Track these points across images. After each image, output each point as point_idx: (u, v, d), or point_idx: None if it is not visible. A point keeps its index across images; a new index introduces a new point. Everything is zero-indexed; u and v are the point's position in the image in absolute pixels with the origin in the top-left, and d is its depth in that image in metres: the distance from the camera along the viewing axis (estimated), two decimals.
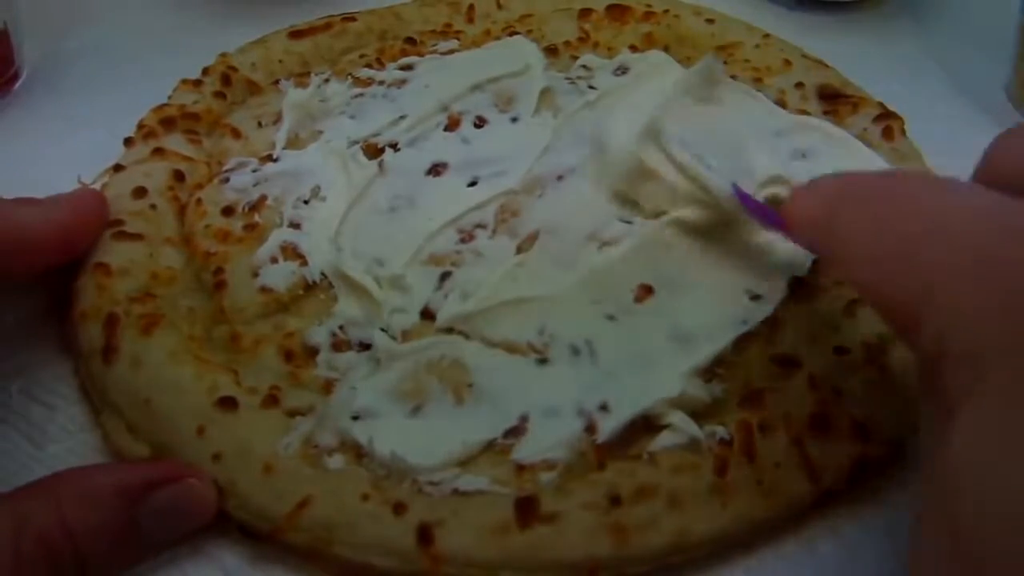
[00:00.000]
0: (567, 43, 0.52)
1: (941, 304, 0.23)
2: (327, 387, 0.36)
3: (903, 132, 0.46)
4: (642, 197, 0.41)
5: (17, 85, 0.52)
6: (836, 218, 0.28)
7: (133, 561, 0.32)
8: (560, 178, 0.43)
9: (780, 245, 0.39)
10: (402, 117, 0.46)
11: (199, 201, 0.42)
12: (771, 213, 0.34)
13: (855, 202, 0.28)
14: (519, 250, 0.40)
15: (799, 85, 0.49)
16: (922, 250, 0.24)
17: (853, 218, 0.28)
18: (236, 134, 0.46)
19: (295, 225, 0.41)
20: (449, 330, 0.37)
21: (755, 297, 0.38)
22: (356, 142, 0.45)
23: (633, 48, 0.51)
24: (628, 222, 0.40)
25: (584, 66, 0.50)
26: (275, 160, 0.44)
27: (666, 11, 0.54)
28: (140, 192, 0.42)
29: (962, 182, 0.28)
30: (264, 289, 0.39)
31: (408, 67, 0.50)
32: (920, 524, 0.23)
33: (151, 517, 0.31)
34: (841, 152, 0.44)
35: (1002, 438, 0.21)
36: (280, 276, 0.39)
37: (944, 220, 0.25)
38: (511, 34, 0.52)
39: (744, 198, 0.37)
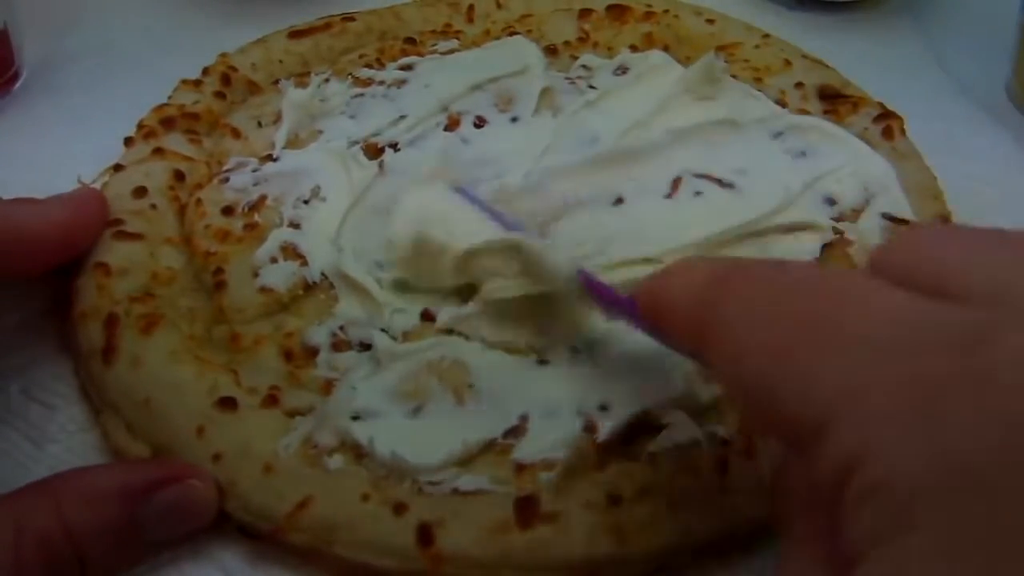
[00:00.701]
0: (567, 43, 0.52)
1: (857, 425, 0.20)
2: (327, 387, 0.36)
3: (903, 132, 0.46)
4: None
5: (17, 85, 0.52)
6: (716, 306, 0.24)
7: (133, 562, 0.32)
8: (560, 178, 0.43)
9: (776, 242, 0.39)
10: (402, 117, 0.46)
11: (199, 201, 0.42)
12: (621, 298, 0.31)
13: (742, 287, 0.24)
14: None
15: (799, 85, 0.49)
16: (834, 356, 0.21)
17: (740, 307, 0.23)
18: (236, 134, 0.46)
19: (295, 225, 0.41)
20: (449, 331, 0.37)
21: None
22: (356, 142, 0.45)
23: (633, 48, 0.51)
24: None
25: (584, 66, 0.50)
26: (275, 160, 0.44)
27: (666, 11, 0.54)
28: (140, 192, 0.42)
29: (861, 274, 0.24)
30: (264, 289, 0.39)
31: (408, 67, 0.50)
32: None
33: (153, 518, 0.31)
34: (841, 151, 0.44)
35: None
36: (280, 276, 0.39)
37: (859, 319, 0.21)
38: (511, 34, 0.52)
39: (589, 282, 0.33)
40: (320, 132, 0.46)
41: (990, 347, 0.19)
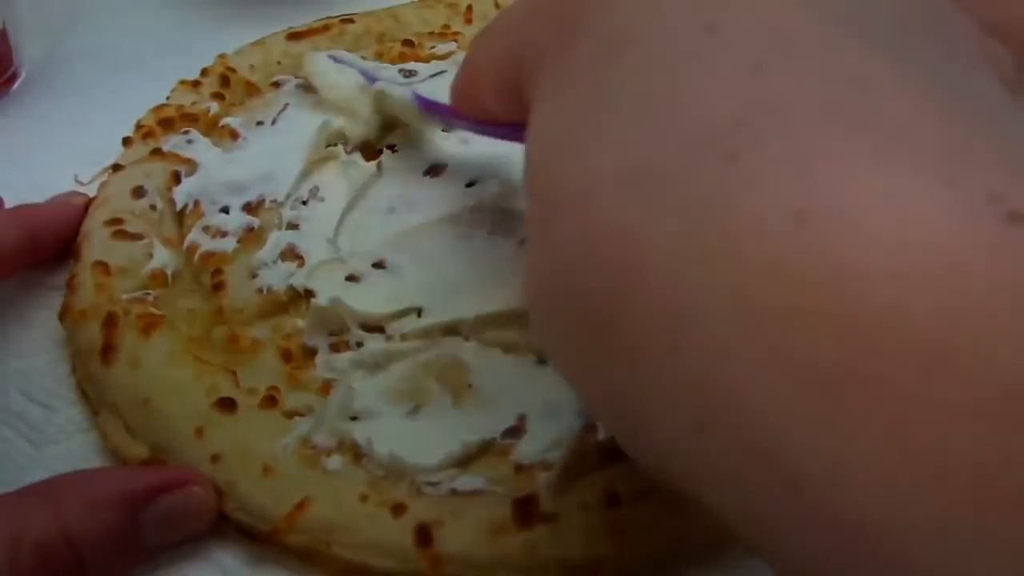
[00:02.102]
0: None
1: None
2: (326, 388, 0.36)
3: None
4: None
5: (16, 85, 0.52)
6: (471, 79, 0.31)
7: (132, 564, 0.32)
8: None
9: None
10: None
11: (197, 202, 0.42)
12: (449, 107, 0.35)
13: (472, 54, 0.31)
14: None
15: None
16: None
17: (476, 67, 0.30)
18: (234, 135, 0.46)
19: (293, 226, 0.41)
20: (448, 330, 0.37)
21: None
22: (354, 143, 0.45)
23: None
24: None
25: None
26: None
27: None
28: (139, 192, 0.42)
29: None
30: (263, 290, 0.39)
31: (408, 72, 0.50)
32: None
33: (152, 524, 0.31)
34: None
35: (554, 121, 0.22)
36: (279, 277, 0.39)
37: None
38: None
39: (422, 102, 0.41)
40: None
41: None
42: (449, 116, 0.38)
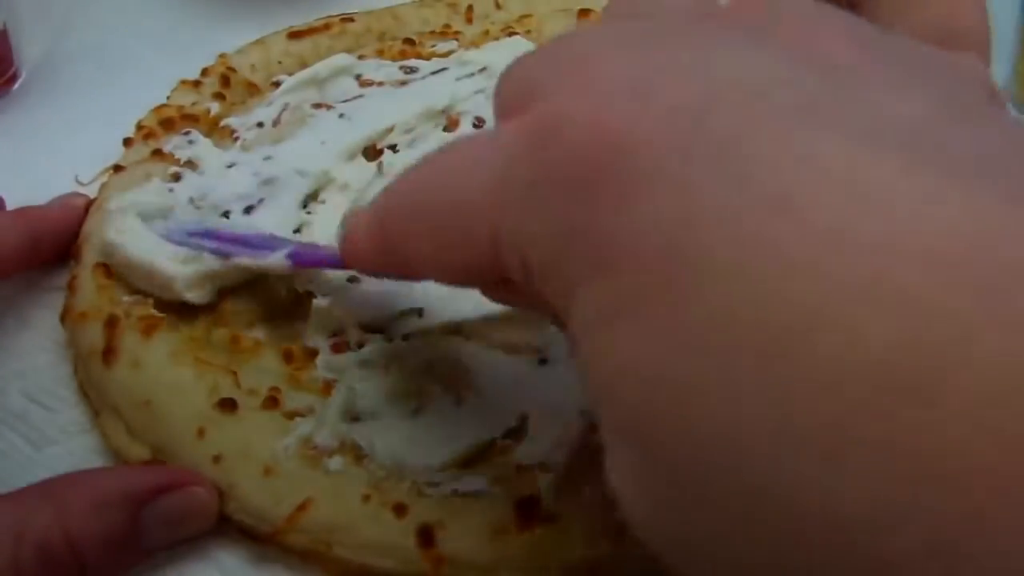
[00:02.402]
0: None
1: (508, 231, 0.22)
2: (327, 389, 0.36)
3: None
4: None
5: (16, 85, 0.52)
6: (391, 239, 0.26)
7: (132, 564, 0.32)
8: None
9: None
10: (402, 119, 0.46)
11: (197, 206, 0.42)
12: (334, 259, 0.32)
13: (397, 211, 0.26)
14: None
15: None
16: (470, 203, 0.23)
17: (404, 232, 0.26)
18: (235, 136, 0.46)
19: (295, 229, 0.41)
20: (449, 331, 0.37)
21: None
22: (355, 144, 0.45)
23: None
24: None
25: None
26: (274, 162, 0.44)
27: None
28: None
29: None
30: (264, 290, 0.39)
31: (410, 69, 0.50)
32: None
33: (153, 524, 0.31)
34: None
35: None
36: (279, 277, 0.39)
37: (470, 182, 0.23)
38: (510, 35, 0.52)
39: (299, 259, 0.35)
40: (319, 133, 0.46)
41: None
42: (336, 267, 0.35)
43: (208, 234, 0.38)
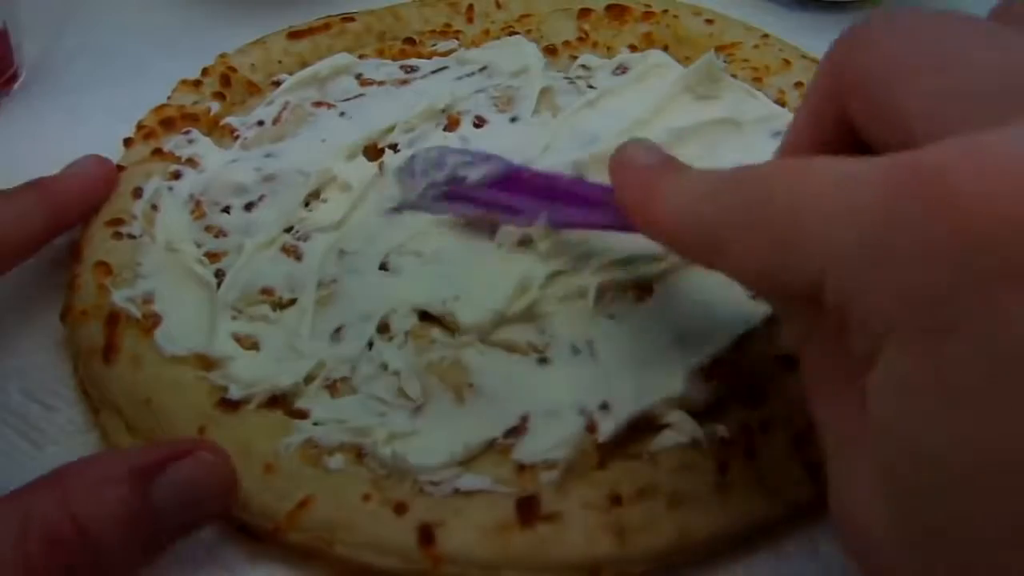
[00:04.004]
0: (566, 43, 0.52)
1: (834, 283, 0.22)
2: (329, 387, 0.36)
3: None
4: None
5: (16, 85, 0.52)
6: (703, 216, 0.26)
7: (154, 548, 0.30)
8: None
9: None
10: (402, 118, 0.46)
11: (198, 202, 0.42)
12: (599, 220, 0.33)
13: (725, 195, 0.26)
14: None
15: (798, 84, 0.49)
16: (807, 237, 0.23)
17: (724, 214, 0.26)
18: (235, 135, 0.46)
19: (295, 228, 0.41)
20: (450, 330, 0.37)
21: (756, 296, 0.38)
22: (355, 143, 0.45)
23: (632, 48, 0.51)
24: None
25: (583, 66, 0.50)
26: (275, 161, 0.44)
27: (665, 11, 0.54)
28: (140, 192, 0.42)
29: (826, 158, 0.25)
30: (264, 290, 0.39)
31: (410, 68, 0.50)
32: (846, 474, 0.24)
33: (166, 497, 0.29)
34: None
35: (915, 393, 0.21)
36: (280, 277, 0.39)
37: (819, 205, 0.23)
38: (510, 34, 0.52)
39: (558, 223, 0.36)
40: (319, 132, 0.46)
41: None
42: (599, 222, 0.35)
43: (465, 197, 0.39)
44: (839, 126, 0.27)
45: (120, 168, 0.43)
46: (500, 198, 0.38)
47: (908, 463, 0.21)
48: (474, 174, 0.39)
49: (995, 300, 0.19)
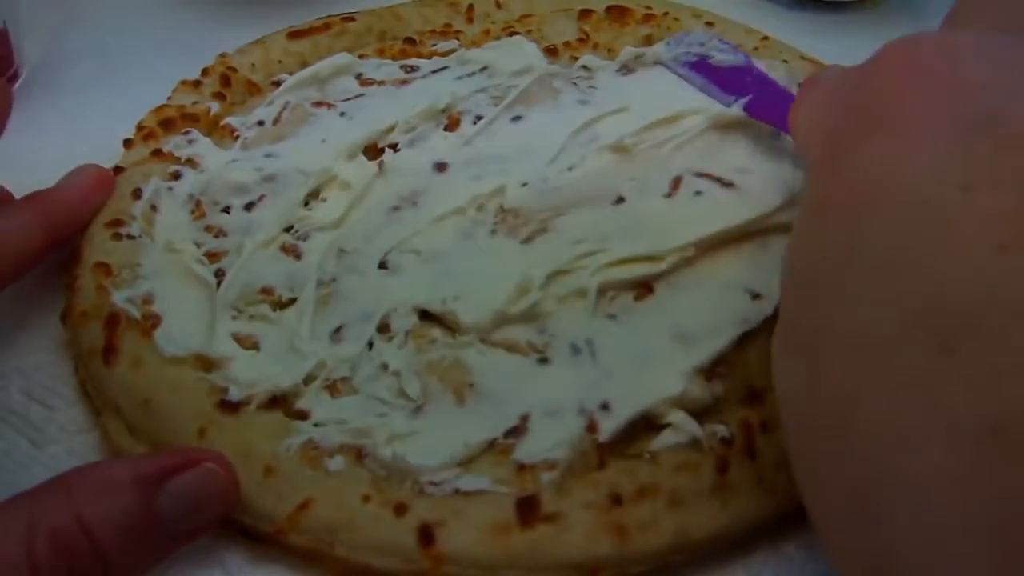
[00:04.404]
0: (567, 44, 0.52)
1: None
2: (329, 388, 0.36)
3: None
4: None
5: (17, 85, 0.52)
6: (820, 127, 0.29)
7: (158, 555, 0.31)
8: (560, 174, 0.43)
9: (776, 242, 0.39)
10: (402, 118, 0.46)
11: (198, 202, 0.42)
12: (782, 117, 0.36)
13: (836, 105, 0.29)
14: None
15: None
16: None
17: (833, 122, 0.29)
18: (235, 135, 0.46)
19: (294, 226, 0.41)
20: (451, 330, 0.37)
21: (756, 296, 0.38)
22: (356, 143, 0.45)
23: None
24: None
25: (584, 66, 0.50)
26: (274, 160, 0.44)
27: (665, 13, 0.54)
28: (139, 193, 0.42)
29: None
30: (264, 290, 0.39)
31: (411, 68, 0.50)
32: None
33: (171, 506, 0.30)
34: None
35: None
36: (280, 276, 0.39)
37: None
38: (511, 34, 0.52)
39: (755, 111, 0.43)
40: (319, 132, 0.46)
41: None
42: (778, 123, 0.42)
43: (699, 66, 0.48)
44: None
45: (120, 169, 0.43)
46: (723, 78, 0.47)
47: (797, 266, 0.26)
48: (719, 56, 0.48)
49: (865, 143, 0.25)
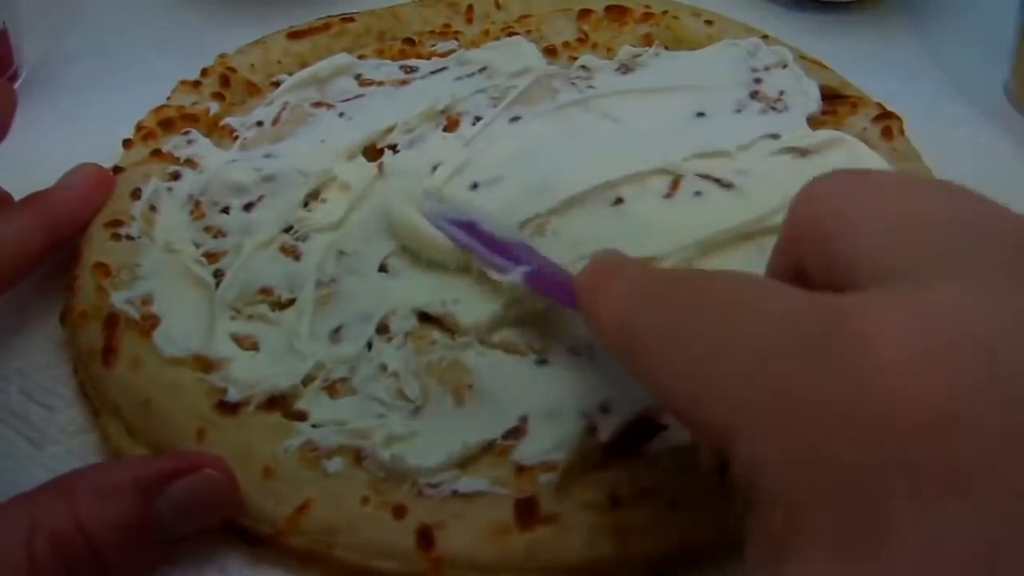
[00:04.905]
0: (566, 44, 0.52)
1: (745, 441, 0.21)
2: (329, 389, 0.36)
3: (902, 132, 0.46)
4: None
5: (16, 85, 0.52)
6: (632, 323, 0.26)
7: (155, 558, 0.31)
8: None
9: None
10: (402, 118, 0.46)
11: (197, 203, 0.42)
12: (566, 296, 0.32)
13: (655, 305, 0.26)
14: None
15: None
16: (722, 379, 0.22)
17: (650, 325, 0.25)
18: (235, 135, 0.46)
19: (294, 227, 0.41)
20: (450, 331, 0.37)
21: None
22: (355, 143, 0.45)
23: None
24: None
25: (583, 66, 0.50)
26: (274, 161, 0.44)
27: (665, 12, 0.54)
28: (138, 193, 0.42)
29: (766, 282, 0.26)
30: (264, 290, 0.39)
31: (410, 68, 0.50)
32: None
33: (169, 510, 0.30)
34: (841, 152, 0.44)
35: None
36: (279, 277, 0.39)
37: (741, 341, 0.22)
38: (510, 34, 0.52)
39: (535, 283, 0.35)
40: (319, 133, 0.46)
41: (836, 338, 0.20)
42: (565, 301, 0.34)
43: (466, 226, 0.39)
44: (797, 278, 0.26)
45: (119, 169, 0.43)
46: (498, 246, 0.38)
47: None
48: (489, 225, 0.39)
49: (933, 507, 0.18)
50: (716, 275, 0.27)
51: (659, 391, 0.25)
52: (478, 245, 0.38)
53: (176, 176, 0.43)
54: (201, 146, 0.45)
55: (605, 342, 0.28)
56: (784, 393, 0.20)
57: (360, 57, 0.50)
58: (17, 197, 0.40)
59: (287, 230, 0.41)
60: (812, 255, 0.25)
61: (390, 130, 0.46)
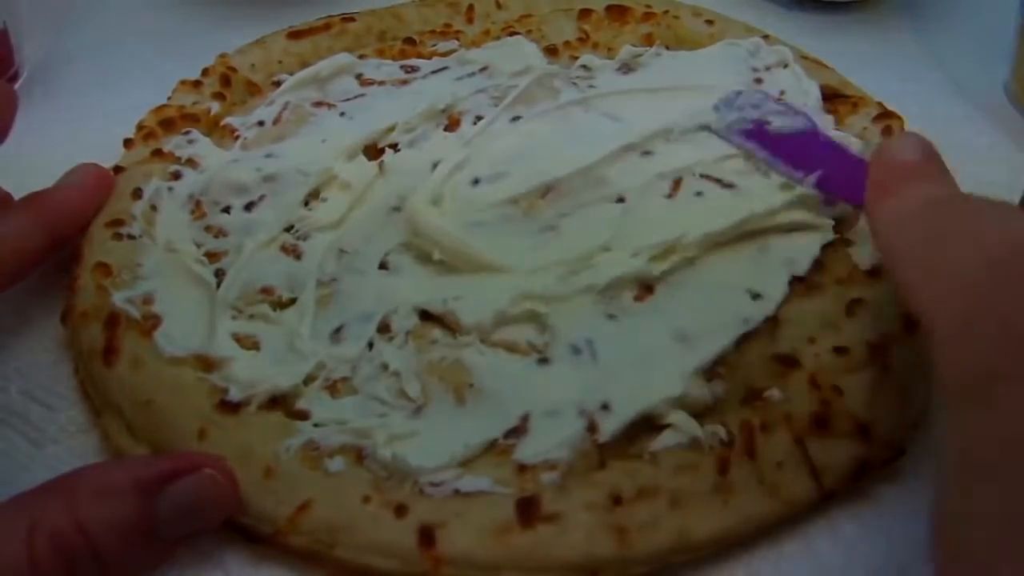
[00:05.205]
0: (567, 43, 0.52)
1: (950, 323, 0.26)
2: (330, 388, 0.36)
3: (902, 131, 0.46)
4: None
5: (17, 85, 0.52)
6: (895, 234, 0.31)
7: (155, 558, 0.31)
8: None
9: (776, 242, 0.40)
10: (403, 118, 0.46)
11: (198, 202, 0.42)
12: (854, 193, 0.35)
13: (913, 226, 0.30)
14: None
15: None
16: (942, 299, 0.27)
17: (909, 244, 0.30)
18: (236, 135, 0.46)
19: (295, 226, 0.41)
20: (451, 330, 0.37)
21: (756, 296, 0.38)
22: (356, 143, 0.45)
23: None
24: None
25: (584, 66, 0.50)
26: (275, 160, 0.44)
27: (666, 12, 0.54)
28: (139, 193, 0.42)
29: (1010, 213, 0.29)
30: (264, 290, 0.39)
31: (411, 68, 0.50)
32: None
33: (168, 511, 0.30)
34: None
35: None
36: (280, 276, 0.39)
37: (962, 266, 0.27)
38: (511, 34, 0.52)
39: (825, 184, 0.40)
40: (319, 132, 0.46)
41: None
42: (847, 197, 0.39)
43: (756, 132, 0.43)
44: None
45: (120, 169, 0.43)
46: (788, 148, 0.42)
47: None
48: (778, 122, 0.43)
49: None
50: (969, 201, 0.31)
51: (901, 291, 0.29)
52: (773, 158, 0.42)
53: (177, 176, 0.44)
54: (202, 146, 0.45)
55: (874, 242, 0.32)
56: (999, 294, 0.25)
57: (361, 57, 0.50)
58: (17, 197, 0.40)
59: (288, 229, 0.41)
60: None
61: (391, 129, 0.46)
